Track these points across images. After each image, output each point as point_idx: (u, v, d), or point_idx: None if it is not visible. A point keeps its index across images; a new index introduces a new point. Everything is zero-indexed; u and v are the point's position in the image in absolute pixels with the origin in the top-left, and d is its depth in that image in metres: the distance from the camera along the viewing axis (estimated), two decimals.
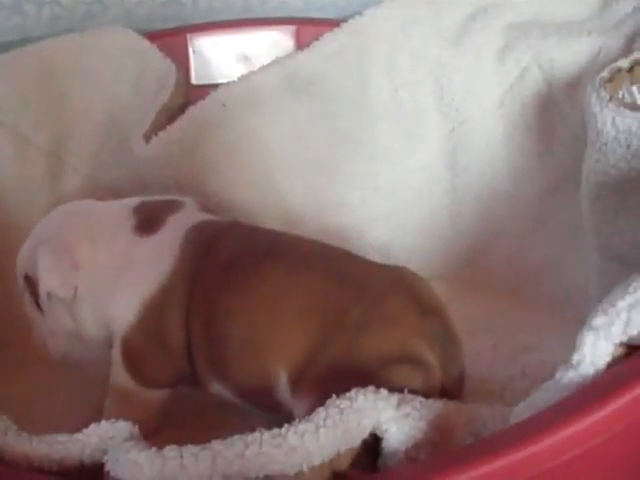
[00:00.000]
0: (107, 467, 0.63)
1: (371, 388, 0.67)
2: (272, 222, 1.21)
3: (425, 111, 1.23)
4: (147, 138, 1.14)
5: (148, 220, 0.88)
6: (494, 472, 0.52)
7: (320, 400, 0.65)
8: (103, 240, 0.87)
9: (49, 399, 0.97)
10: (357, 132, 1.23)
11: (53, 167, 1.25)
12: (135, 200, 0.94)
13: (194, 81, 1.29)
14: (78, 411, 0.92)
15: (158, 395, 0.89)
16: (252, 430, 0.62)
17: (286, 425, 0.62)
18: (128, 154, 1.23)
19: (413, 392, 0.68)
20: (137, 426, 0.70)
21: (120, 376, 0.87)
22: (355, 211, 1.25)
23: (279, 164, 1.22)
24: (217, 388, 0.84)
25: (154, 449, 0.62)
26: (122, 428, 0.68)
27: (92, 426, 0.68)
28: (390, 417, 0.64)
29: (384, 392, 0.66)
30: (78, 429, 0.69)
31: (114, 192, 1.26)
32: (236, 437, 0.61)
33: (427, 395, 0.70)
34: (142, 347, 0.85)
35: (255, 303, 0.79)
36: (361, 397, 0.65)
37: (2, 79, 1.21)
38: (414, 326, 0.76)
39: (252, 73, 1.21)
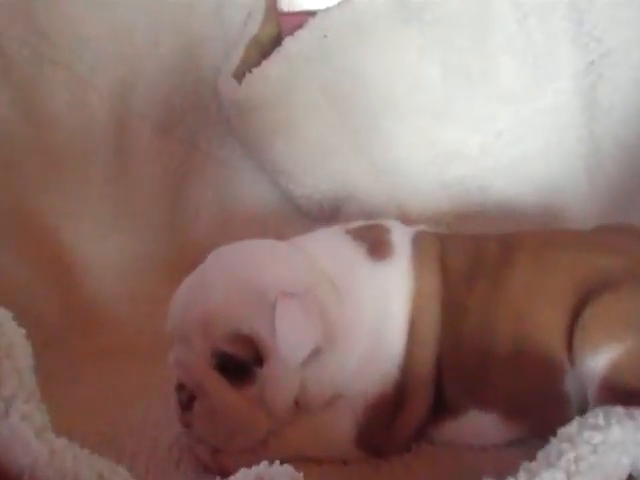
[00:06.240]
0: None
1: (622, 411, 0.49)
2: (378, 172, 1.06)
3: (558, 41, 1.02)
4: (238, 77, 0.96)
5: (375, 244, 0.78)
6: None
7: None
8: (341, 274, 0.75)
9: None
10: (476, 67, 1.04)
11: (117, 114, 1.07)
12: (333, 230, 0.81)
13: (284, 8, 1.09)
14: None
15: None
16: None
17: (524, 469, 0.44)
18: (207, 97, 1.06)
19: None
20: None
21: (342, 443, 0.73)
22: (473, 160, 1.07)
23: (386, 105, 1.04)
24: (472, 416, 0.73)
25: None
26: (282, 473, 0.51)
27: (241, 471, 0.52)
28: None
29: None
30: None
31: (191, 145, 1.09)
32: None
33: None
34: (389, 401, 0.73)
35: (516, 297, 0.74)
36: (617, 428, 0.47)
37: (56, 13, 1.02)
38: None
39: None
